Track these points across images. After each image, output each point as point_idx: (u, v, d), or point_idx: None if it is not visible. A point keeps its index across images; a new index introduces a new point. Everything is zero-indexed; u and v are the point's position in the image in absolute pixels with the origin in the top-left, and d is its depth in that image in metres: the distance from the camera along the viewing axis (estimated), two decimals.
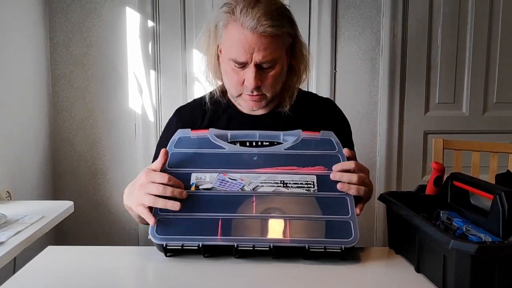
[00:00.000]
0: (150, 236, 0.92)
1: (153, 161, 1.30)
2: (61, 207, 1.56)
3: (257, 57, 1.08)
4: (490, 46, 2.30)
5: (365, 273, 0.95)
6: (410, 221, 0.96)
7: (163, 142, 1.28)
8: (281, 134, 1.09)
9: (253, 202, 0.96)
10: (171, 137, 1.25)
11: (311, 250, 0.92)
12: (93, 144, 2.26)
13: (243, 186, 0.98)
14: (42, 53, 2.15)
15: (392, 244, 1.09)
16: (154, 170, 0.99)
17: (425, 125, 2.32)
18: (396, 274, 0.95)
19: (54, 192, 2.26)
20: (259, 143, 1.17)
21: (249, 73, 1.09)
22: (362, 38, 2.24)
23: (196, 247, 0.91)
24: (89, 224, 2.29)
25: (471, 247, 0.77)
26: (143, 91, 2.22)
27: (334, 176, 1.00)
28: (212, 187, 0.98)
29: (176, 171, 1.00)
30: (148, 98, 2.22)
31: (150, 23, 2.19)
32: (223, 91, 1.25)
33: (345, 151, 1.06)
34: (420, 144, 2.33)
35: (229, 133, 1.08)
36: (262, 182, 0.99)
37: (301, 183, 0.99)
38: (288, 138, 1.09)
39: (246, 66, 1.10)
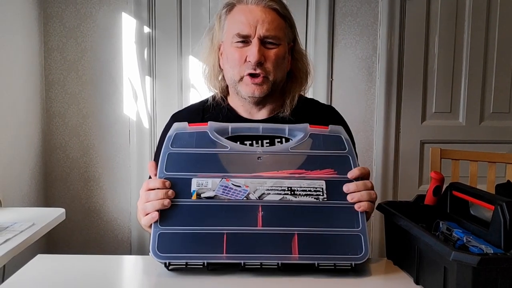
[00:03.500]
0: (151, 254, 0.87)
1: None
2: (52, 215, 1.53)
3: (261, 30, 1.10)
4: (487, 55, 2.30)
5: (365, 285, 0.93)
6: (409, 232, 0.94)
7: (160, 149, 1.27)
8: (286, 128, 1.03)
9: (259, 213, 0.91)
10: None
11: (320, 267, 0.89)
12: (86, 151, 2.23)
13: (248, 194, 0.92)
14: (36, 58, 2.12)
15: (390, 255, 1.07)
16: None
17: (422, 134, 2.31)
18: (395, 286, 0.93)
19: (45, 199, 2.22)
20: (263, 143, 1.17)
21: (252, 47, 1.10)
22: (359, 46, 2.23)
23: (201, 266, 0.87)
24: (81, 231, 2.26)
25: (473, 259, 0.75)
26: (138, 97, 2.19)
27: (347, 189, 0.95)
28: (215, 195, 0.92)
29: (175, 176, 0.93)
30: (143, 105, 2.20)
31: (146, 29, 2.18)
32: (224, 96, 1.24)
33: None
34: (417, 153, 2.32)
35: (230, 126, 1.00)
36: (268, 189, 0.93)
37: (309, 190, 0.94)
38: (295, 134, 1.02)
39: (249, 43, 1.11)
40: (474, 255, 0.76)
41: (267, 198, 0.92)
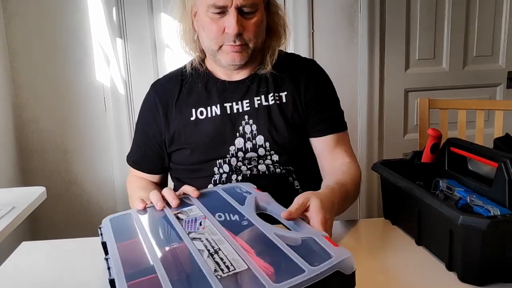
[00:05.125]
0: None
1: (132, 142, 1.28)
2: (33, 195, 1.45)
3: None
4: None
5: (364, 246, 0.92)
6: (410, 194, 0.91)
7: (143, 120, 1.24)
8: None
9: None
10: (150, 114, 1.21)
11: None
12: (61, 122, 2.13)
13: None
14: None
15: (388, 215, 1.06)
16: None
17: (406, 83, 2.28)
18: (396, 246, 0.92)
19: (23, 176, 2.13)
20: (243, 104, 1.14)
21: (230, 18, 1.03)
22: None
23: None
24: (64, 205, 2.19)
25: (483, 223, 0.73)
26: (110, 62, 2.07)
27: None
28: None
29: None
30: (116, 69, 2.08)
31: None
32: (202, 60, 1.20)
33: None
34: (401, 102, 2.29)
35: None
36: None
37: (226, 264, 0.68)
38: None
39: (225, 13, 1.04)
40: (483, 218, 0.74)
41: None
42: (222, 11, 1.04)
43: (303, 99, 1.15)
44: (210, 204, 0.91)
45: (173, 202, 0.91)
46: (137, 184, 1.24)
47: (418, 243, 0.92)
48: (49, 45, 2.05)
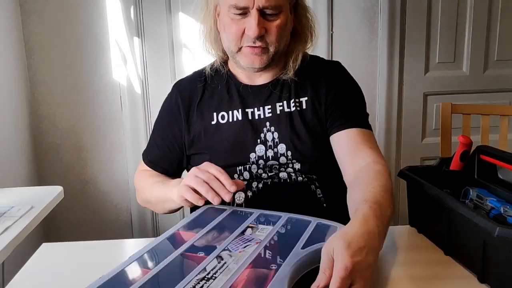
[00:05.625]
0: None
1: (149, 140, 1.26)
2: (50, 194, 1.44)
3: (260, 0, 0.98)
4: (491, 2, 2.19)
5: (390, 253, 0.89)
6: (440, 202, 0.89)
7: (163, 119, 1.21)
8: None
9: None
10: (171, 114, 1.19)
11: None
12: (77, 120, 2.12)
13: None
14: (12, 22, 1.95)
15: (414, 222, 1.03)
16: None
17: (425, 86, 2.24)
18: (423, 256, 0.89)
19: (38, 174, 2.13)
20: (264, 109, 1.10)
21: (251, 20, 1.00)
22: None
23: None
24: (79, 203, 2.19)
25: None
26: (127, 61, 2.06)
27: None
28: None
29: None
30: (133, 68, 2.07)
31: None
32: (225, 62, 1.17)
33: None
34: (420, 106, 2.25)
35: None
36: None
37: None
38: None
39: (247, 14, 1.01)
40: None
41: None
42: (244, 12, 1.01)
43: (323, 103, 1.11)
44: (281, 232, 0.84)
45: (231, 188, 0.90)
46: (157, 179, 1.18)
47: (447, 253, 0.89)
48: (66, 42, 2.04)
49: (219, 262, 0.72)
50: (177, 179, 1.09)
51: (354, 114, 1.10)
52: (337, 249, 0.67)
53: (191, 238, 0.82)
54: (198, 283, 0.65)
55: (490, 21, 2.22)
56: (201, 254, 0.75)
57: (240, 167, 1.10)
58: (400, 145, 2.27)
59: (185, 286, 0.64)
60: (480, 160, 1.03)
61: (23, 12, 2.01)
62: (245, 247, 0.77)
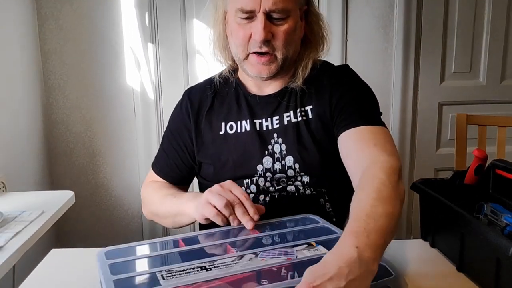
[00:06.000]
0: None
1: (158, 149, 1.23)
2: (62, 199, 1.45)
3: (267, 3, 0.96)
4: (510, 10, 2.16)
5: (402, 267, 0.87)
6: (454, 217, 0.87)
7: (173, 127, 1.19)
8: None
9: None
10: (181, 121, 1.16)
11: None
12: (90, 124, 2.13)
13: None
14: (29, 27, 1.98)
15: (426, 236, 1.01)
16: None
17: (440, 96, 2.21)
18: (435, 271, 0.87)
19: (50, 177, 2.15)
20: (272, 120, 1.09)
21: (257, 24, 0.97)
22: (375, 4, 2.09)
23: None
24: (90, 207, 2.20)
25: None
26: (141, 67, 2.07)
27: None
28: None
29: None
30: (146, 74, 2.08)
31: None
32: (234, 70, 1.15)
33: None
34: (435, 116, 2.22)
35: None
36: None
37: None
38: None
39: (254, 18, 0.98)
40: None
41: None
42: (250, 16, 0.98)
43: (327, 109, 1.06)
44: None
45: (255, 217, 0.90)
46: (168, 192, 1.15)
47: (459, 269, 0.87)
48: (81, 48, 2.06)
49: (235, 259, 0.77)
50: (191, 193, 1.08)
51: (361, 111, 1.03)
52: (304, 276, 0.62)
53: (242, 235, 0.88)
54: (202, 267, 0.74)
55: (508, 30, 2.18)
56: (234, 249, 0.81)
57: (247, 180, 1.08)
58: (414, 155, 2.24)
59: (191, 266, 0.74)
60: (495, 175, 1.00)
61: (39, 17, 2.03)
62: (272, 257, 0.78)
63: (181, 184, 1.20)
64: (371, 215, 0.72)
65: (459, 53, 2.18)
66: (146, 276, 0.73)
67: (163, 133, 1.24)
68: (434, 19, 2.13)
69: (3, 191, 1.64)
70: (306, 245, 0.83)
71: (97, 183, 2.18)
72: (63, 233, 2.19)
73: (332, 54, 2.07)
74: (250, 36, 1.00)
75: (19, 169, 1.86)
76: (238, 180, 1.07)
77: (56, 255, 0.99)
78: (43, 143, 2.09)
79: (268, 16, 0.98)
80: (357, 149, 0.97)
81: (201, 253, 0.81)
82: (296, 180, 1.07)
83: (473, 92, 2.22)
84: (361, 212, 0.74)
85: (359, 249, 0.64)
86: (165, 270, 0.74)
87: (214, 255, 0.79)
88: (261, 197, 1.07)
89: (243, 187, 1.07)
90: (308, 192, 1.06)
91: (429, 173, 2.24)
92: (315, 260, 0.69)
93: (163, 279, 0.71)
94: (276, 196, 1.07)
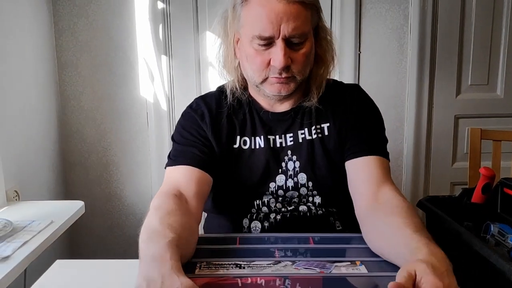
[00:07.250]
0: None
1: (169, 155, 1.11)
2: (72, 209, 1.47)
3: (286, 29, 0.93)
4: None
5: None
6: (458, 237, 0.84)
7: (184, 129, 1.10)
8: None
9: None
10: (194, 124, 1.09)
11: None
12: (104, 135, 2.16)
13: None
14: (46, 39, 2.02)
15: None
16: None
17: (456, 109, 2.17)
18: None
19: (64, 186, 2.17)
20: (286, 137, 1.08)
21: (277, 50, 0.95)
22: (389, 16, 2.07)
23: None
24: (102, 216, 2.22)
25: None
26: (154, 78, 2.09)
27: None
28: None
29: None
30: (160, 86, 2.10)
31: (160, 5, 2.05)
32: (244, 87, 1.11)
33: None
34: (451, 129, 2.18)
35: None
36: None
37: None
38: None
39: (272, 44, 0.96)
40: None
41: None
42: (269, 42, 0.96)
43: (343, 128, 1.06)
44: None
45: None
46: (157, 229, 0.84)
47: None
48: (96, 59, 2.10)
49: (271, 263, 0.83)
50: (152, 256, 0.76)
51: (373, 140, 1.05)
52: (423, 270, 0.67)
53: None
54: (238, 265, 0.82)
55: None
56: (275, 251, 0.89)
57: (258, 201, 1.07)
58: (429, 169, 2.19)
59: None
60: (503, 193, 0.98)
61: (56, 30, 2.08)
62: (307, 268, 0.82)
63: (199, 166, 1.03)
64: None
65: (476, 66, 2.14)
66: (186, 264, 0.82)
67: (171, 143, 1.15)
68: (449, 31, 2.10)
69: (16, 200, 1.66)
70: (349, 263, 0.84)
71: (111, 192, 2.20)
72: (76, 242, 2.21)
73: (344, 67, 2.07)
74: (269, 62, 0.98)
75: (33, 179, 1.89)
76: (249, 198, 1.06)
77: (60, 266, 0.98)
78: (58, 153, 2.13)
79: (286, 41, 0.95)
80: (371, 179, 0.99)
81: (246, 252, 0.89)
82: (308, 201, 1.06)
83: (491, 105, 2.17)
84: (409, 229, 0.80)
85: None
86: (205, 261, 0.84)
87: (258, 256, 0.86)
88: (272, 215, 1.07)
89: (253, 209, 1.07)
90: (319, 212, 1.06)
91: (444, 187, 2.19)
92: (347, 278, 0.78)
93: (199, 269, 0.82)
94: (288, 215, 1.06)
